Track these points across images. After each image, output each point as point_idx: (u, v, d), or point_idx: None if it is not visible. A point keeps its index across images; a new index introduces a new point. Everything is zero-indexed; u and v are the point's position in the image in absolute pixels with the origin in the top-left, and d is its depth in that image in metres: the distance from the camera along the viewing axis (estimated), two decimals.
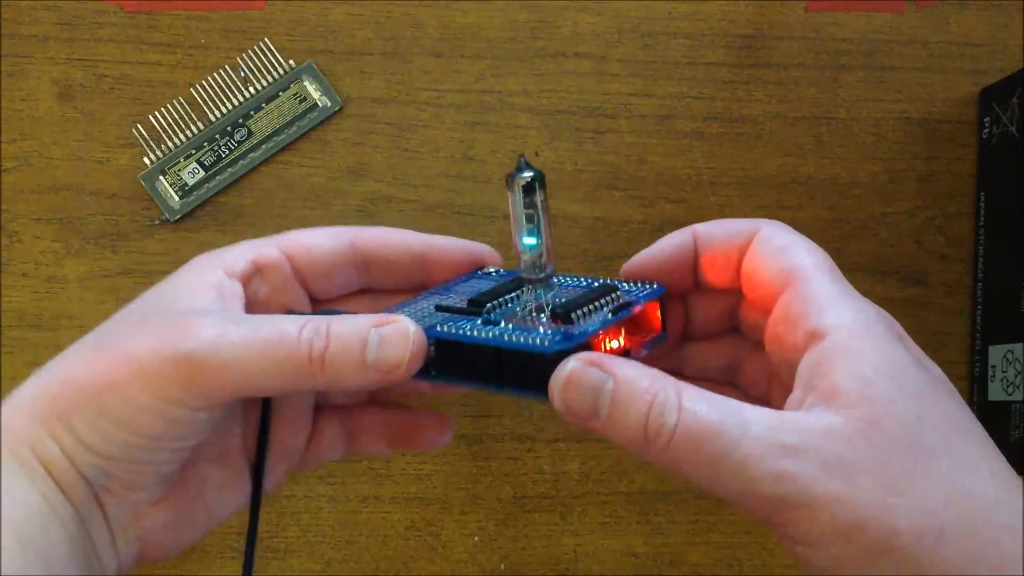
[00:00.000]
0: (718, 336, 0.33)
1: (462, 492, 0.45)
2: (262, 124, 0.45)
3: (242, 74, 0.45)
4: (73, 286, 0.44)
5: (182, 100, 0.45)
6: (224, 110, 0.45)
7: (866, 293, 0.46)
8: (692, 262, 0.31)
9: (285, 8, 0.45)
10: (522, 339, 0.27)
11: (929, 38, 0.47)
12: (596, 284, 0.31)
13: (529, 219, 0.29)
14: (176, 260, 0.45)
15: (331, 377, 0.27)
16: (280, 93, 0.45)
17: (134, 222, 0.44)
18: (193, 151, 0.45)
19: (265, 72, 0.45)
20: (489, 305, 0.29)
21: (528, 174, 0.29)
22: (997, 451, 0.26)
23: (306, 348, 0.27)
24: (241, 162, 0.45)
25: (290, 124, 0.45)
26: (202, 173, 0.45)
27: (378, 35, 0.45)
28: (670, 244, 0.32)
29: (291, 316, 0.28)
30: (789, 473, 0.24)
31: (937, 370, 0.28)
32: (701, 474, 0.25)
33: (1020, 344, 0.42)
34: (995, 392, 0.44)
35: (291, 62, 0.45)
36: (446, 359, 0.29)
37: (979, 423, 0.27)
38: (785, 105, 0.46)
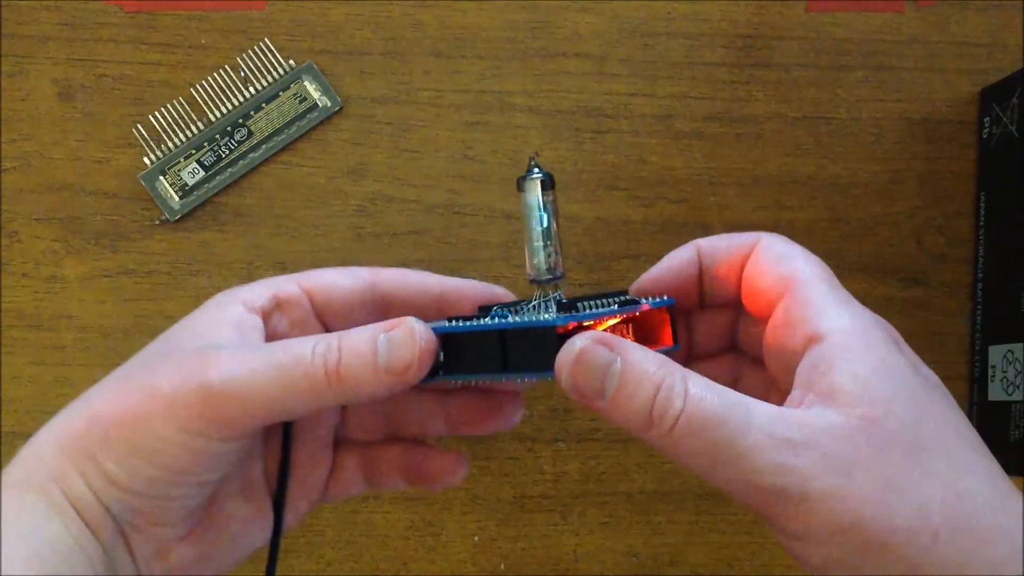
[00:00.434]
0: (719, 354, 0.33)
1: (462, 492, 0.45)
2: (262, 124, 0.45)
3: (242, 74, 0.45)
4: (73, 286, 0.44)
5: (182, 100, 0.45)
6: (224, 110, 0.45)
7: (866, 293, 0.47)
8: (698, 277, 0.32)
9: (285, 8, 0.45)
10: (526, 319, 0.28)
11: (929, 38, 0.47)
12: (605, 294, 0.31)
13: (539, 221, 0.29)
14: (176, 260, 0.45)
15: (348, 388, 0.28)
16: (280, 93, 0.45)
17: (134, 222, 0.44)
18: (193, 151, 0.45)
19: (265, 72, 0.45)
20: (496, 309, 0.30)
21: (538, 175, 0.30)
22: (990, 455, 0.27)
23: (320, 364, 0.27)
24: (241, 162, 0.45)
25: (290, 124, 0.45)
26: (202, 173, 0.45)
27: (378, 35, 0.45)
28: (677, 260, 0.32)
29: (303, 338, 0.28)
30: (790, 465, 0.24)
31: (933, 376, 0.28)
32: (701, 462, 0.25)
33: (1020, 344, 0.42)
34: (995, 392, 0.44)
35: (291, 62, 0.45)
36: (453, 357, 0.29)
37: (973, 428, 0.27)
38: (785, 105, 0.46)
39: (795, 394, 0.27)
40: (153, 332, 0.31)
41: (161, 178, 0.44)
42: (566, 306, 0.29)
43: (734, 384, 0.32)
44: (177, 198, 0.44)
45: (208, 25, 0.45)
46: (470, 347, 0.29)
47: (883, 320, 0.28)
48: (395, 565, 0.44)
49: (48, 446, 0.28)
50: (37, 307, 0.44)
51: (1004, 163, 0.45)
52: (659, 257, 0.45)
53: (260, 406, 0.27)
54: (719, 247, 0.31)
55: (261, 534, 0.32)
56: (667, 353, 0.30)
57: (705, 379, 0.26)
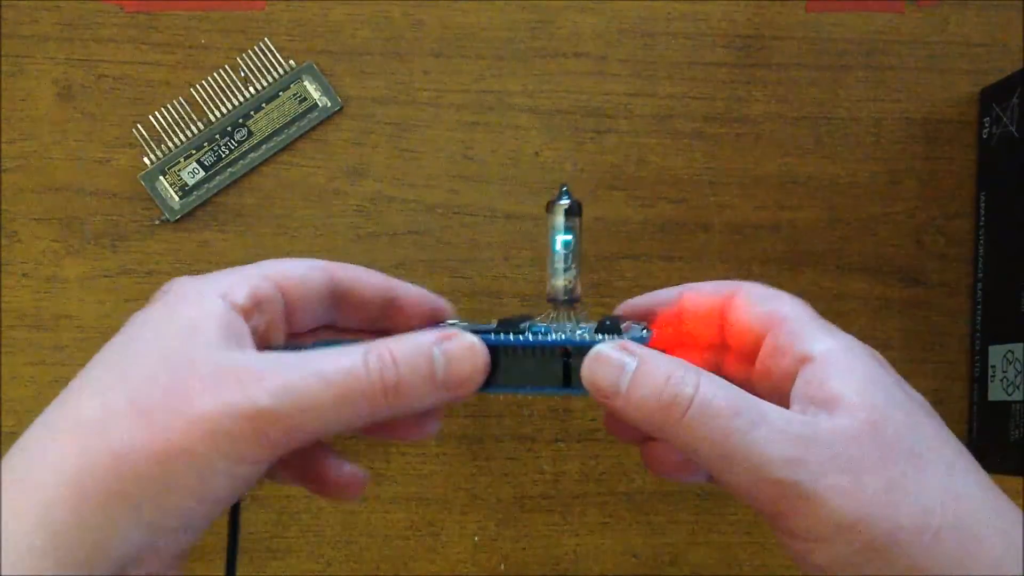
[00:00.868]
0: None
1: (462, 492, 0.45)
2: (262, 124, 0.45)
3: (242, 74, 0.45)
4: (73, 286, 0.44)
5: (182, 100, 0.45)
6: (224, 110, 0.45)
7: (866, 293, 0.47)
8: (678, 318, 0.32)
9: (285, 8, 0.45)
10: (588, 338, 0.29)
11: (929, 38, 0.47)
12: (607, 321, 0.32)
13: (566, 245, 0.30)
14: (176, 260, 0.45)
15: (404, 403, 0.27)
16: (280, 93, 0.45)
17: (134, 222, 0.44)
18: (193, 151, 0.45)
19: (265, 72, 0.45)
20: (523, 325, 0.30)
21: (566, 202, 0.31)
22: (976, 463, 0.27)
23: (378, 380, 0.26)
24: (241, 162, 0.45)
25: (290, 124, 0.45)
26: (202, 173, 0.45)
27: (378, 35, 0.45)
28: (663, 296, 0.33)
29: (344, 348, 0.27)
30: (801, 460, 0.25)
31: (918, 394, 0.29)
32: (713, 451, 0.26)
33: (1020, 344, 0.42)
34: (995, 392, 0.44)
35: (291, 62, 0.45)
36: (507, 370, 0.29)
37: (958, 439, 0.28)
38: (785, 105, 0.46)
39: (795, 409, 0.27)
40: None
41: (161, 178, 0.44)
42: (608, 327, 0.29)
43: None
44: (177, 198, 0.44)
45: (208, 25, 0.45)
46: (529, 361, 0.29)
47: (868, 346, 0.29)
48: (395, 565, 0.44)
49: (58, 489, 0.24)
50: (37, 307, 0.44)
51: (1004, 163, 0.45)
52: (659, 257, 0.45)
53: (315, 427, 0.26)
54: (701, 290, 0.32)
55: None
56: None
57: (717, 376, 0.27)
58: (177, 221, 0.45)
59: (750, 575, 0.45)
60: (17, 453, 0.26)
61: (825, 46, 0.47)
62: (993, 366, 0.44)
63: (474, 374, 0.27)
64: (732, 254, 0.46)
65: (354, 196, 0.45)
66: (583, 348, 0.28)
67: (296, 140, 0.45)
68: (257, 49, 0.45)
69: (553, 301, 0.32)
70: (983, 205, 0.46)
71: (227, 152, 0.45)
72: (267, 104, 0.45)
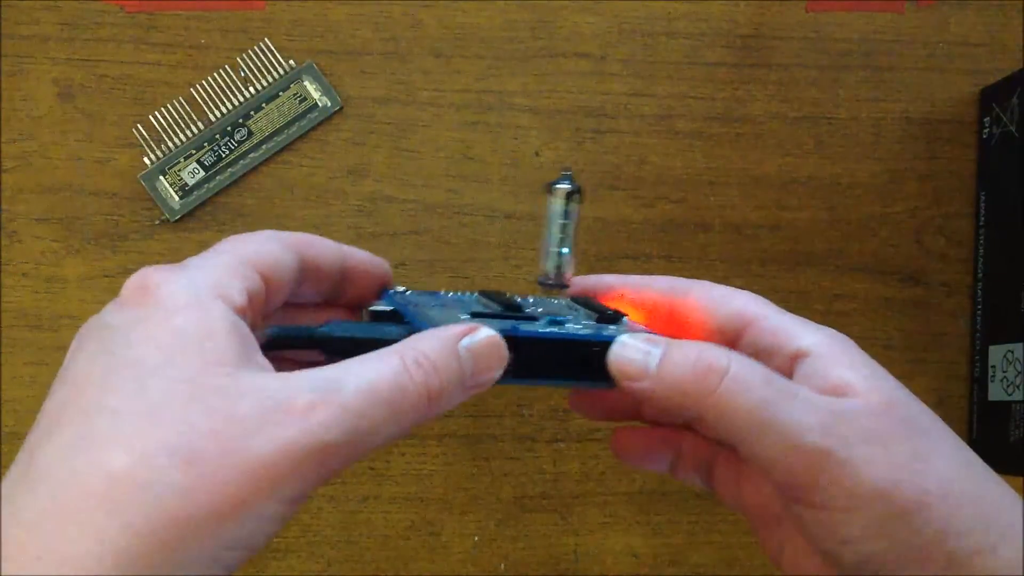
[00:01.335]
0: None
1: (462, 492, 0.45)
2: (262, 124, 0.45)
3: (242, 74, 0.45)
4: (73, 286, 0.44)
5: (182, 100, 0.45)
6: (224, 110, 0.45)
7: (866, 293, 0.47)
8: (621, 301, 0.32)
9: (285, 8, 0.45)
10: (610, 333, 0.29)
11: (929, 38, 0.47)
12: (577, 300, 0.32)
13: (563, 228, 0.30)
14: (176, 260, 0.45)
15: (440, 408, 0.26)
16: (280, 93, 0.45)
17: (134, 222, 0.44)
18: (193, 151, 0.45)
19: (265, 72, 0.45)
20: (529, 310, 0.30)
21: (566, 184, 0.31)
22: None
23: (424, 389, 0.25)
24: (241, 162, 0.45)
25: (290, 124, 0.45)
26: (202, 173, 0.45)
27: (378, 35, 0.45)
28: (607, 281, 0.33)
29: (374, 356, 0.25)
30: (832, 429, 0.25)
31: None
32: (749, 420, 0.26)
33: (1020, 344, 0.42)
34: (995, 392, 0.44)
35: (291, 62, 0.45)
36: (527, 362, 0.28)
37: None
38: (785, 105, 0.46)
39: None
40: None
41: (161, 178, 0.44)
42: (611, 317, 0.30)
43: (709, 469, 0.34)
44: (177, 198, 0.44)
45: (208, 25, 0.45)
46: (550, 353, 0.28)
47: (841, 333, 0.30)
48: (395, 565, 0.44)
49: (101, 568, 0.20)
50: (37, 307, 0.44)
51: (1004, 163, 0.45)
52: (659, 257, 0.45)
53: (370, 446, 0.24)
54: (651, 285, 0.32)
55: None
56: None
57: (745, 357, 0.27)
58: (177, 221, 0.45)
59: (750, 575, 0.45)
60: (30, 520, 0.21)
61: (825, 46, 0.47)
62: (993, 366, 0.44)
63: (497, 370, 0.27)
64: (732, 254, 0.46)
65: (354, 196, 0.45)
66: (607, 342, 0.28)
67: (296, 140, 0.45)
68: (257, 49, 0.45)
69: (543, 283, 0.32)
70: (983, 205, 0.46)
71: (227, 152, 0.45)
72: (267, 104, 0.45)
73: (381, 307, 0.30)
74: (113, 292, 0.45)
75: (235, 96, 0.45)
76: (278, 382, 0.23)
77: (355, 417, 0.23)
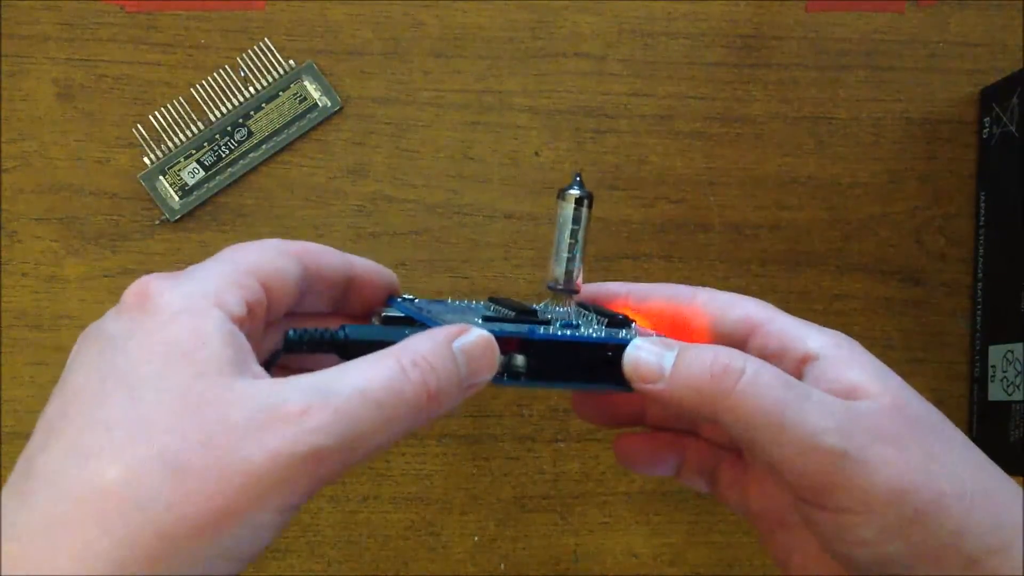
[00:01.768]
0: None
1: (462, 492, 0.45)
2: (262, 124, 0.45)
3: (242, 74, 0.45)
4: (73, 286, 0.44)
5: (182, 100, 0.45)
6: (224, 110, 0.45)
7: (866, 293, 0.47)
8: (626, 309, 0.33)
9: (285, 8, 0.45)
10: (624, 337, 0.29)
11: (929, 38, 0.47)
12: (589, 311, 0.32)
13: (574, 234, 0.30)
14: (176, 260, 0.45)
15: (439, 409, 0.25)
16: (280, 93, 0.45)
17: (134, 222, 0.44)
18: (193, 151, 0.45)
19: (265, 72, 0.45)
20: (541, 315, 0.30)
21: (577, 191, 0.31)
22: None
23: (422, 390, 0.25)
24: (241, 162, 0.45)
25: (290, 124, 0.45)
26: (202, 173, 0.45)
27: (378, 35, 0.45)
28: (610, 289, 0.33)
29: (371, 359, 0.25)
30: (847, 431, 0.26)
31: None
32: (766, 421, 0.26)
33: (1020, 344, 0.42)
34: (995, 392, 0.44)
35: (291, 62, 0.45)
36: (537, 365, 0.28)
37: None
38: (785, 105, 0.46)
39: None
40: None
41: (161, 178, 0.44)
42: (621, 321, 0.30)
43: (696, 423, 0.34)
44: (177, 198, 0.44)
45: (208, 25, 0.45)
46: (562, 356, 0.28)
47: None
48: (395, 565, 0.44)
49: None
50: (37, 307, 0.44)
51: (1004, 163, 0.45)
52: (659, 257, 0.45)
53: (367, 450, 0.24)
54: (653, 293, 0.32)
55: None
56: None
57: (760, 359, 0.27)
58: (177, 221, 0.45)
59: (750, 575, 0.45)
60: (24, 532, 0.21)
61: (825, 46, 0.47)
62: (993, 366, 0.44)
63: (491, 369, 0.27)
64: (732, 254, 0.46)
65: (354, 196, 0.45)
66: (621, 345, 0.28)
67: (296, 140, 0.45)
68: (257, 49, 0.45)
69: (552, 288, 0.32)
70: (983, 205, 0.46)
71: (227, 152, 0.45)
72: (267, 104, 0.45)
73: (393, 313, 0.30)
74: (113, 292, 0.45)
75: (235, 96, 0.45)
76: (271, 388, 0.23)
77: (349, 421, 0.23)
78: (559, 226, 0.31)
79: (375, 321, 0.31)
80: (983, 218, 0.46)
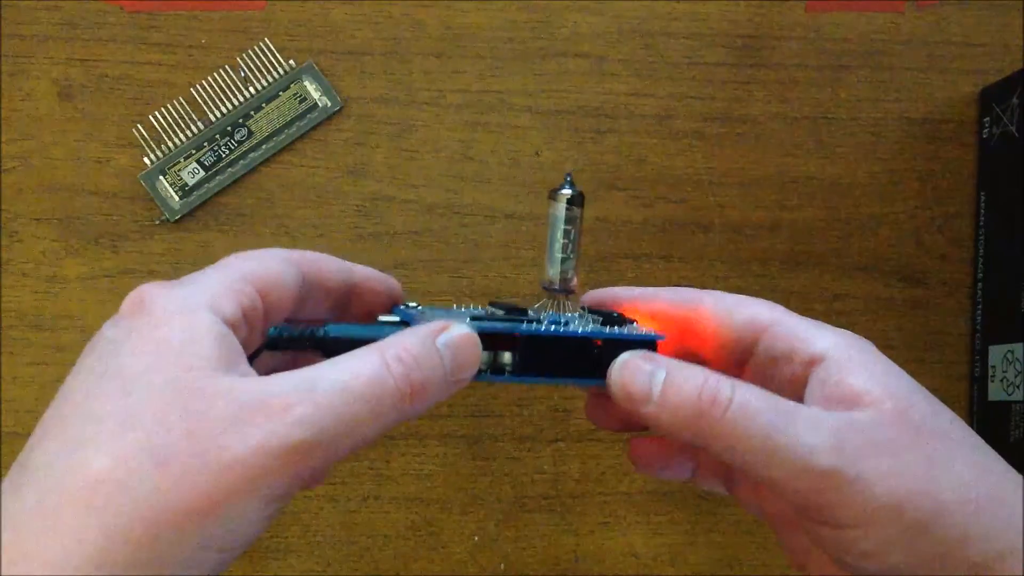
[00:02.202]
0: None
1: (462, 492, 0.45)
2: (262, 124, 0.45)
3: (242, 74, 0.45)
4: (73, 286, 0.44)
5: (182, 100, 0.45)
6: (224, 110, 0.45)
7: (866, 293, 0.47)
8: (634, 314, 0.32)
9: (285, 8, 0.45)
10: (625, 332, 0.29)
11: (929, 38, 0.47)
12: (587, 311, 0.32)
13: (566, 234, 0.30)
14: (176, 260, 0.45)
15: (424, 404, 0.26)
16: (280, 93, 0.45)
17: (134, 222, 0.44)
18: (193, 151, 0.45)
19: (265, 72, 0.45)
20: (531, 313, 0.30)
21: (567, 191, 0.30)
22: (985, 443, 0.28)
23: (405, 384, 0.25)
24: (241, 162, 0.45)
25: (290, 124, 0.45)
26: (202, 173, 0.45)
27: (378, 35, 0.45)
28: (619, 295, 0.33)
29: (354, 354, 0.25)
30: (840, 448, 0.25)
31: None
32: (754, 447, 0.26)
33: (1020, 344, 0.42)
34: (995, 392, 0.44)
35: (291, 62, 0.45)
36: (523, 359, 0.29)
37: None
38: (785, 105, 0.46)
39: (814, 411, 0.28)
40: None
41: (161, 178, 0.44)
42: (616, 319, 0.30)
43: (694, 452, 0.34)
44: (177, 198, 0.44)
45: (208, 25, 0.45)
46: (554, 352, 0.29)
47: (857, 335, 0.30)
48: (395, 565, 0.44)
49: (85, 572, 0.21)
50: (37, 307, 0.44)
51: (1004, 163, 0.45)
52: (659, 257, 0.45)
53: (350, 444, 0.24)
54: (660, 297, 0.32)
55: None
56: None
57: (747, 383, 0.27)
58: (177, 221, 0.45)
59: (750, 575, 0.45)
60: (17, 523, 0.22)
61: (825, 46, 0.47)
62: (993, 366, 0.44)
63: (474, 364, 0.27)
64: (732, 254, 0.46)
65: (354, 196, 0.45)
66: (612, 341, 0.28)
67: (296, 140, 0.45)
68: (257, 49, 0.45)
69: (548, 289, 0.32)
70: (983, 205, 0.46)
71: (227, 152, 0.45)
72: (267, 104, 0.45)
73: (389, 317, 0.31)
74: (113, 292, 0.45)
75: (235, 96, 0.45)
76: (256, 384, 0.24)
77: (331, 414, 0.23)
78: (551, 226, 0.31)
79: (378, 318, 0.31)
80: (983, 218, 0.46)
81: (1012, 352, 0.43)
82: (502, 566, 0.45)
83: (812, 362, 0.28)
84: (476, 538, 0.45)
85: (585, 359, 0.29)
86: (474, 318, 0.29)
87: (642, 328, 0.30)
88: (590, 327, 0.29)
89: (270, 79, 0.45)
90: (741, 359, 0.30)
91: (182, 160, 0.45)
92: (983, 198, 0.46)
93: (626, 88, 0.46)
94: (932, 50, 0.47)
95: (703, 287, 0.32)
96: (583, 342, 0.28)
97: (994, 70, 0.47)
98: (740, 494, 0.32)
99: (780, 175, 0.46)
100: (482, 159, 0.45)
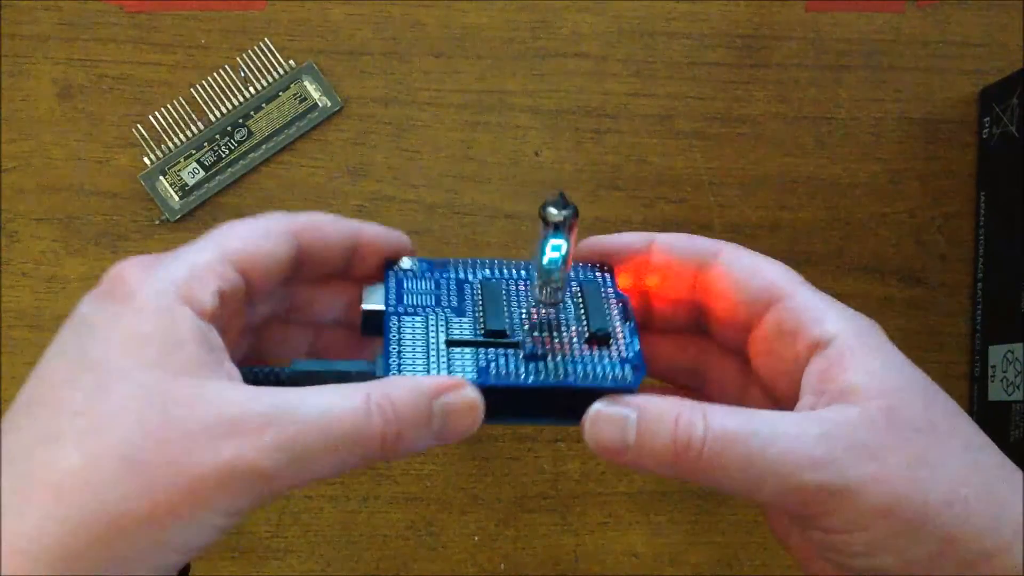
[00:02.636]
0: (681, 334, 0.33)
1: (462, 492, 0.45)
2: (262, 124, 0.45)
3: (242, 74, 0.45)
4: (73, 286, 0.44)
5: (182, 100, 0.45)
6: (224, 110, 0.45)
7: (866, 293, 0.47)
8: (645, 265, 0.32)
9: (285, 8, 0.45)
10: (595, 377, 0.28)
11: (929, 38, 0.47)
12: (577, 286, 0.31)
13: (556, 248, 0.28)
14: None
15: (398, 452, 0.25)
16: (280, 93, 0.45)
17: (134, 222, 0.44)
18: (193, 151, 0.45)
19: (265, 72, 0.45)
20: (512, 335, 0.29)
21: (555, 214, 0.28)
22: (988, 438, 0.28)
23: (380, 433, 0.25)
24: (241, 162, 0.45)
25: (290, 124, 0.45)
26: (202, 173, 0.45)
27: (378, 35, 0.45)
28: (629, 241, 0.32)
29: (340, 389, 0.25)
30: (824, 461, 0.25)
31: (922, 372, 0.29)
32: (738, 477, 0.26)
33: (1020, 344, 0.42)
34: (995, 392, 0.44)
35: (291, 62, 0.45)
36: (497, 407, 0.28)
37: (968, 416, 0.28)
38: (785, 105, 0.46)
39: (807, 400, 0.27)
40: None
41: (161, 178, 0.44)
42: (599, 338, 0.29)
43: (700, 375, 0.33)
44: (177, 198, 0.44)
45: (208, 25, 0.45)
46: (528, 399, 0.28)
47: (870, 319, 0.29)
48: (395, 565, 0.44)
49: (43, 560, 0.22)
50: (37, 307, 0.44)
51: (1004, 163, 0.45)
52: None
53: (313, 477, 0.24)
54: (674, 247, 0.31)
55: None
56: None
57: (721, 405, 0.27)
58: (177, 221, 0.45)
59: (750, 575, 0.45)
60: None
61: (825, 46, 0.47)
62: (993, 366, 0.44)
63: (469, 429, 0.27)
64: None
65: (354, 196, 0.45)
66: (585, 391, 0.27)
67: (296, 140, 0.45)
68: (257, 49, 0.45)
69: (541, 302, 0.31)
70: (983, 205, 0.46)
71: (227, 152, 0.45)
72: (267, 104, 0.45)
73: (372, 306, 0.30)
74: None
75: (235, 96, 0.45)
76: (237, 396, 0.24)
77: (300, 447, 0.24)
78: (539, 244, 0.28)
79: (365, 296, 0.30)
80: (983, 218, 0.46)
81: (1012, 352, 0.43)
82: (502, 566, 0.45)
83: (815, 346, 0.28)
84: (476, 538, 0.45)
85: (557, 405, 0.28)
86: (451, 343, 0.28)
87: (619, 344, 0.29)
88: (562, 372, 0.28)
89: (270, 79, 0.45)
90: (749, 323, 0.30)
91: (182, 160, 0.45)
92: (983, 198, 0.46)
93: (626, 88, 0.46)
94: (932, 50, 0.47)
95: None
96: (551, 392, 0.28)
97: (994, 70, 0.47)
98: None
99: (780, 175, 0.46)
100: (482, 159, 0.45)
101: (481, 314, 0.30)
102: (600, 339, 0.29)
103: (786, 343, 0.29)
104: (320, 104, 0.45)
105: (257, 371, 0.28)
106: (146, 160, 0.44)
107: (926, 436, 0.26)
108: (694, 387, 0.33)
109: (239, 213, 0.45)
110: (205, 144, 0.45)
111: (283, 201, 0.45)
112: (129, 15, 0.45)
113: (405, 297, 0.30)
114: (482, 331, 0.29)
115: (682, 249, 0.31)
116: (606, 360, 0.29)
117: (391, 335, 0.29)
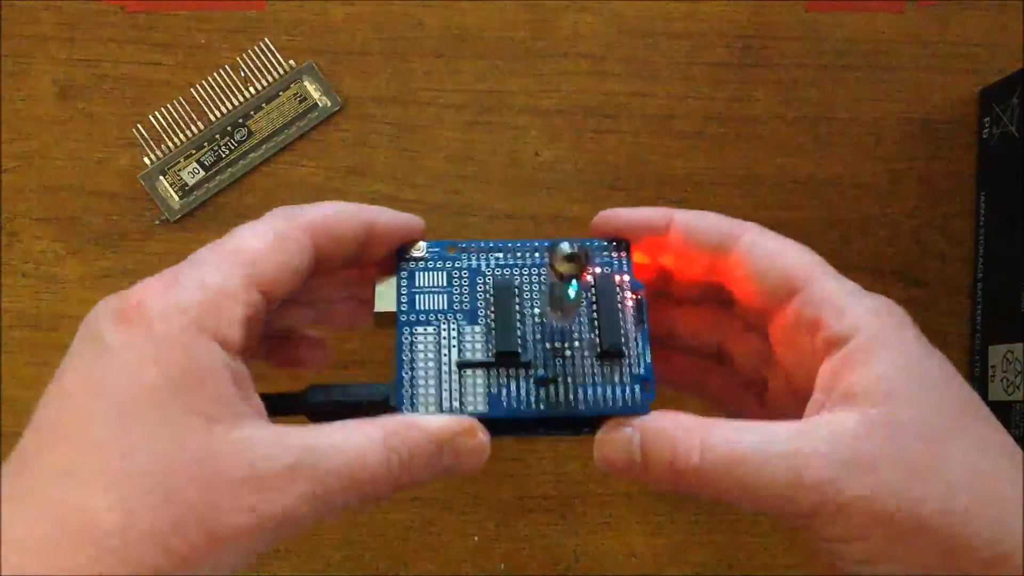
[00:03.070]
0: (704, 305, 0.33)
1: (462, 492, 0.45)
2: (262, 124, 0.45)
3: (242, 74, 0.45)
4: (73, 286, 0.44)
5: (182, 100, 0.45)
6: (224, 110, 0.45)
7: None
8: (663, 246, 0.31)
9: (285, 8, 0.45)
10: (604, 403, 0.28)
11: (929, 38, 0.47)
12: (592, 282, 0.31)
13: (567, 288, 0.28)
14: (176, 260, 0.44)
15: (403, 487, 0.27)
16: (280, 93, 0.45)
17: (134, 222, 0.44)
18: (193, 151, 0.45)
19: (265, 72, 0.45)
20: (523, 353, 0.29)
21: (575, 266, 0.27)
22: (1003, 429, 0.27)
23: (396, 476, 0.26)
24: (241, 162, 0.45)
25: (290, 124, 0.45)
26: (202, 173, 0.45)
27: (378, 35, 0.45)
28: (648, 217, 0.31)
29: (359, 431, 0.26)
30: (819, 481, 0.25)
31: (942, 355, 0.29)
32: (740, 496, 0.26)
33: (1020, 344, 0.42)
34: (995, 392, 0.44)
35: (291, 62, 0.45)
36: (503, 427, 0.29)
37: (985, 404, 0.28)
38: (785, 105, 0.46)
39: (817, 398, 0.27)
40: None
41: (161, 178, 0.44)
42: (611, 353, 0.29)
43: (724, 349, 0.33)
44: (177, 198, 0.44)
45: (208, 25, 0.45)
46: (526, 424, 0.29)
47: (893, 303, 0.29)
48: (395, 565, 0.44)
49: None
50: (37, 307, 0.44)
51: (1004, 163, 0.45)
52: None
53: (328, 518, 0.26)
54: (694, 226, 0.31)
55: None
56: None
57: (721, 420, 0.27)
58: (177, 221, 0.45)
59: (750, 575, 0.45)
60: (21, 549, 0.22)
61: (825, 46, 0.47)
62: (993, 366, 0.44)
63: (474, 469, 0.27)
64: None
65: (354, 196, 0.45)
66: (590, 418, 0.28)
67: (296, 140, 0.45)
68: (257, 49, 0.45)
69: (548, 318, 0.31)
70: (983, 205, 0.46)
71: (227, 152, 0.45)
72: (267, 104, 0.45)
73: (385, 308, 0.30)
74: (113, 292, 0.45)
75: (235, 96, 0.45)
76: (265, 442, 0.24)
77: (325, 494, 0.25)
78: (550, 287, 0.28)
79: (377, 296, 0.30)
80: (983, 218, 0.46)
81: (1012, 352, 0.43)
82: (502, 566, 0.45)
83: (834, 343, 0.27)
84: (476, 538, 0.45)
85: (566, 426, 0.29)
86: (463, 364, 0.28)
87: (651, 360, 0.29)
88: (572, 398, 0.28)
89: (270, 79, 0.45)
90: (770, 309, 0.30)
91: (182, 160, 0.45)
92: (983, 198, 0.46)
93: (626, 88, 0.46)
94: (932, 50, 0.47)
95: None
96: (560, 419, 0.29)
97: (994, 70, 0.47)
98: None
99: (780, 175, 0.46)
100: (482, 159, 0.45)
101: (492, 324, 0.29)
102: (612, 355, 0.29)
103: (805, 336, 0.28)
104: (320, 104, 0.45)
105: (276, 400, 0.28)
106: (146, 160, 0.44)
107: (927, 444, 0.26)
108: (720, 362, 0.33)
109: (239, 213, 0.45)
110: (205, 144, 0.45)
111: (283, 201, 0.45)
112: (129, 15, 0.45)
113: (417, 300, 0.30)
114: (492, 354, 0.29)
115: (702, 232, 0.30)
116: (616, 378, 0.29)
117: (403, 355, 0.29)
